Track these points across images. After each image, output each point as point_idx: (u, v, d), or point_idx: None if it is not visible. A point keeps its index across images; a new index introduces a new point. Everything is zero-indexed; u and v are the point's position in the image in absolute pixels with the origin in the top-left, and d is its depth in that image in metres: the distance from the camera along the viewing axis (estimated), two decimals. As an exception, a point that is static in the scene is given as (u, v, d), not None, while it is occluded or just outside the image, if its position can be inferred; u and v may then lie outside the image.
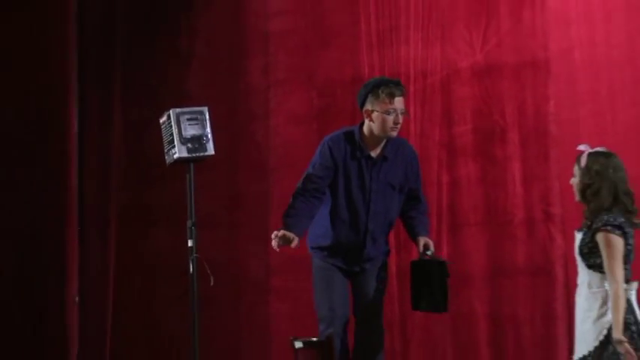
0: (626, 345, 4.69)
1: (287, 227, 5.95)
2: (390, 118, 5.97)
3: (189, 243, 6.24)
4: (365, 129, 6.03)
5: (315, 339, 5.99)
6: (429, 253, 6.05)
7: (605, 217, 4.83)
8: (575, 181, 5.08)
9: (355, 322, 6.08)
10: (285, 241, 5.88)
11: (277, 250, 6.01)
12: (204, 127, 6.25)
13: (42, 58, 7.65)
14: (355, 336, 6.07)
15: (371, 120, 5.99)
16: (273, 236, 5.87)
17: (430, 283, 6.06)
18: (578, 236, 5.02)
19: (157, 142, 6.45)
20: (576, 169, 5.07)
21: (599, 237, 4.83)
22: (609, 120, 7.77)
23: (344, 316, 6.01)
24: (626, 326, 4.77)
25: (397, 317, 7.64)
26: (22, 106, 7.76)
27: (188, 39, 8.87)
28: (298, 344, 6.01)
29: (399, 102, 5.98)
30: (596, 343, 4.83)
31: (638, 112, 7.73)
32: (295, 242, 5.91)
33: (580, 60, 7.86)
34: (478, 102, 8.15)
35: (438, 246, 7.87)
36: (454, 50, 8.18)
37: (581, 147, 5.12)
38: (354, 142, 6.01)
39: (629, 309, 4.82)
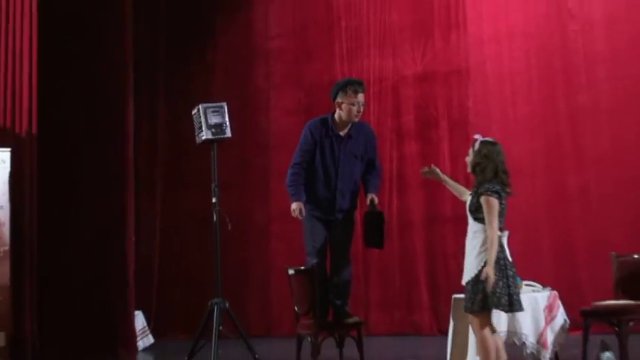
0: (492, 277, 4.78)
1: (293, 196, 5.99)
2: (355, 108, 6.08)
3: (213, 199, 6.31)
4: (336, 116, 6.15)
5: (302, 267, 6.04)
6: (374, 204, 6.06)
7: (487, 185, 4.96)
8: (469, 159, 5.17)
9: (331, 255, 6.17)
10: (300, 211, 5.92)
11: (302, 218, 5.99)
12: (224, 117, 6.35)
13: (108, 69, 7.67)
14: (331, 265, 6.16)
15: (340, 109, 6.10)
16: (294, 214, 5.89)
17: (372, 228, 6.09)
18: (468, 199, 5.11)
19: (189, 128, 6.50)
20: (471, 151, 5.17)
21: (482, 199, 4.95)
22: (511, 114, 8.23)
23: (323, 252, 6.10)
24: (497, 260, 4.86)
25: (360, 253, 7.81)
26: (94, 102, 7.78)
27: (212, 53, 9.06)
28: (291, 271, 6.10)
29: (361, 97, 6.10)
30: (476, 271, 4.93)
31: (532, 109, 8.20)
32: (303, 206, 5.95)
33: (491, 70, 8.30)
34: (418, 99, 8.51)
35: (389, 202, 8.17)
36: (402, 62, 8.56)
37: (476, 136, 5.19)
38: (328, 125, 6.13)
39: (501, 248, 4.91)
